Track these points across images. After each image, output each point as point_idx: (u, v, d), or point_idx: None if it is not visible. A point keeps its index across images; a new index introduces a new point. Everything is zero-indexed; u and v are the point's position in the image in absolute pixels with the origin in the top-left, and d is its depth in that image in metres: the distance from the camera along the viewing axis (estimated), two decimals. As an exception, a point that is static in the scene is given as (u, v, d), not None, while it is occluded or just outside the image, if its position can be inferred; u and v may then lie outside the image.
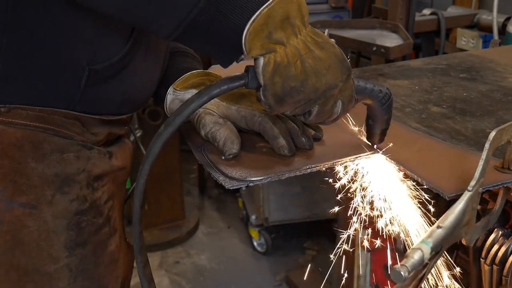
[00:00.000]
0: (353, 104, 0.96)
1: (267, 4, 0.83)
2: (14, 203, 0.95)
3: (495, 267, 1.09)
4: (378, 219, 1.16)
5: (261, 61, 0.86)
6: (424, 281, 0.89)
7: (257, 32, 0.83)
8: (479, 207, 0.91)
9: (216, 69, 1.24)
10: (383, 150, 1.05)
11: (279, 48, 0.85)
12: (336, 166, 1.05)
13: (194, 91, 1.08)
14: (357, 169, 1.10)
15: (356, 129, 1.12)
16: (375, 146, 1.05)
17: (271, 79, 0.86)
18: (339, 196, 1.17)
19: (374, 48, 2.50)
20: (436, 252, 0.82)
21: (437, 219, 0.85)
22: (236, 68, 0.95)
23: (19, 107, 0.95)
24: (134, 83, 1.06)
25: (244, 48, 0.84)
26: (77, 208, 1.00)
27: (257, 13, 0.82)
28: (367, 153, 1.05)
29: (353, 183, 1.11)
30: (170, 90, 1.13)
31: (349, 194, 1.16)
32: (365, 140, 1.08)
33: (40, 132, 0.96)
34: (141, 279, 0.99)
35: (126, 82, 1.03)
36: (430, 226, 1.09)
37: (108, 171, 1.06)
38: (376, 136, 1.04)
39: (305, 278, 2.99)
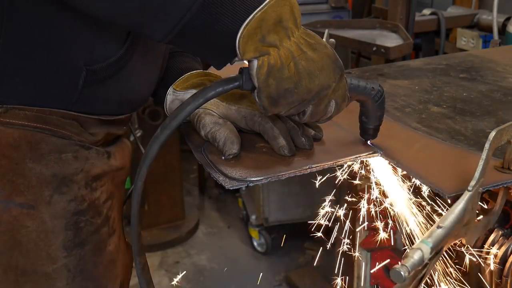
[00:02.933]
0: (346, 103, 0.97)
1: (260, 8, 0.84)
2: (12, 203, 0.95)
3: (495, 267, 1.09)
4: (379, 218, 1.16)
5: (255, 63, 0.87)
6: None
7: (250, 36, 0.84)
8: (479, 207, 0.91)
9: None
10: (383, 150, 1.05)
11: (273, 51, 0.86)
12: (336, 166, 1.05)
13: (193, 91, 1.08)
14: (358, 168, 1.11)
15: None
16: (368, 142, 1.07)
17: (265, 81, 0.87)
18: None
19: (374, 48, 2.50)
20: (436, 252, 0.82)
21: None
22: (232, 69, 0.96)
23: (16, 108, 0.95)
24: (132, 83, 1.05)
25: (238, 52, 0.86)
26: (75, 208, 1.00)
27: (250, 17, 0.84)
28: (367, 153, 1.05)
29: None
30: (170, 90, 1.13)
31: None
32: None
33: (37, 132, 0.96)
34: (140, 280, 0.99)
35: (124, 83, 1.03)
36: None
37: (106, 171, 1.05)
38: (370, 133, 1.05)
39: (305, 278, 3.00)
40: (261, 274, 3.21)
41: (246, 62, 0.90)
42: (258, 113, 1.05)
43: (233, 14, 0.84)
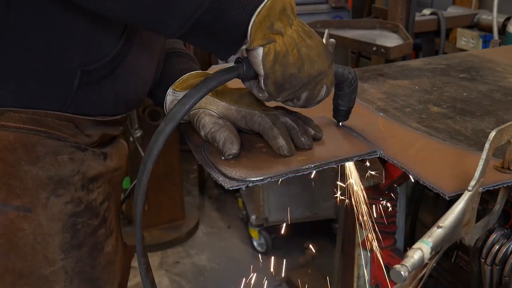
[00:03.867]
0: (333, 87, 1.03)
1: None
2: (8, 207, 0.95)
3: (495, 267, 1.09)
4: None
5: (260, 51, 0.90)
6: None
7: (260, 23, 0.88)
8: (479, 207, 0.91)
9: (216, 70, 1.24)
10: (383, 150, 1.05)
11: (278, 38, 0.90)
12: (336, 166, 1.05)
13: (193, 92, 1.08)
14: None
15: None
16: (340, 124, 1.15)
17: (272, 68, 0.91)
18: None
19: (374, 48, 2.50)
20: (436, 252, 0.82)
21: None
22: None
23: (11, 110, 0.94)
24: (128, 83, 1.05)
25: (248, 39, 0.89)
26: (72, 210, 1.00)
27: (261, 5, 0.88)
28: (367, 153, 1.05)
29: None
30: (170, 91, 1.13)
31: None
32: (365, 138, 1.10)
33: (33, 134, 0.95)
34: (143, 280, 0.99)
35: (120, 82, 1.03)
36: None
37: (103, 172, 1.05)
38: (343, 114, 1.13)
39: (305, 278, 3.00)
40: (261, 274, 3.21)
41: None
42: (258, 113, 1.05)
43: (242, 6, 0.87)
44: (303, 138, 1.04)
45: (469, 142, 1.11)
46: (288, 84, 0.93)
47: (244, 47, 0.93)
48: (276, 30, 0.90)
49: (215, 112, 1.08)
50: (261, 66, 0.91)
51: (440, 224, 0.82)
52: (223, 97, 1.09)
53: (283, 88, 0.94)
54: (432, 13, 2.92)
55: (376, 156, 1.06)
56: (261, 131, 1.05)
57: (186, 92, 1.10)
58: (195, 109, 1.09)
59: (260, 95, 0.97)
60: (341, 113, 1.12)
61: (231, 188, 0.95)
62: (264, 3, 0.88)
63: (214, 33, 0.90)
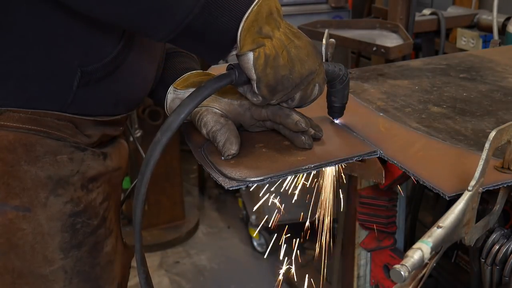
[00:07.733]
0: (325, 85, 1.04)
1: (255, 2, 0.89)
2: (8, 206, 0.95)
3: (495, 267, 1.09)
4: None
5: (251, 56, 0.91)
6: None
7: (249, 29, 0.89)
8: (479, 207, 0.91)
9: (216, 69, 1.25)
10: (383, 150, 1.05)
11: (267, 42, 0.92)
12: (335, 166, 1.06)
13: (194, 90, 1.08)
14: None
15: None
16: (337, 121, 1.16)
17: (264, 71, 0.92)
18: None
19: (374, 48, 2.50)
20: (436, 252, 0.82)
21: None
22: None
23: (11, 110, 0.94)
24: (128, 83, 1.05)
25: (238, 45, 0.90)
26: (71, 210, 1.00)
27: (249, 11, 0.89)
28: (367, 153, 1.05)
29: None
30: (171, 89, 1.13)
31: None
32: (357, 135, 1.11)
33: (32, 134, 0.96)
34: None
35: (120, 83, 1.03)
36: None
37: (103, 172, 1.05)
38: (338, 111, 1.14)
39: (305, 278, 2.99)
40: (261, 274, 3.21)
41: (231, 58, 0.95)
42: None
43: (230, 12, 0.88)
44: (303, 138, 1.04)
45: (469, 142, 1.11)
46: (280, 86, 0.94)
47: (234, 52, 0.94)
48: (264, 34, 0.91)
49: (218, 109, 1.08)
50: (253, 71, 0.92)
51: (440, 224, 0.82)
52: (224, 94, 1.09)
53: (276, 90, 0.95)
54: (432, 13, 2.92)
55: (376, 156, 1.06)
56: (271, 116, 1.05)
57: (186, 90, 1.11)
58: (197, 107, 1.09)
59: (254, 99, 0.97)
60: (335, 109, 1.14)
61: (231, 188, 0.95)
62: (251, 8, 0.89)
63: (203, 38, 0.91)
